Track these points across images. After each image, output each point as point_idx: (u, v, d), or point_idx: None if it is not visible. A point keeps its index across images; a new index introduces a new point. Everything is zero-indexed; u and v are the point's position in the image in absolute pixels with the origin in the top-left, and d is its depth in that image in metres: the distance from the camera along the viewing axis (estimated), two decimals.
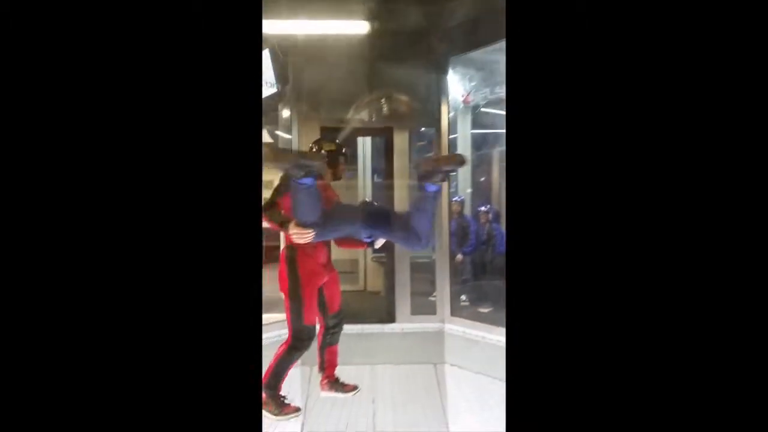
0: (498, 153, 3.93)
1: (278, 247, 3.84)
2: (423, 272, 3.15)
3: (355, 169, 4.12)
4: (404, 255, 2.97)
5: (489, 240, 3.52)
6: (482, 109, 3.70)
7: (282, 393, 1.84)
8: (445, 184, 2.90)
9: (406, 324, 2.90)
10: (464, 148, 3.77)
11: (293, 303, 1.80)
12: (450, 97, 3.09)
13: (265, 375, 1.82)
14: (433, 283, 3.01)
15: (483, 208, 3.67)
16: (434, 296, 2.98)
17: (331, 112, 2.95)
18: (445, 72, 3.02)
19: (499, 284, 3.17)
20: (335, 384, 2.03)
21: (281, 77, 2.88)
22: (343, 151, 1.96)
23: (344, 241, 1.86)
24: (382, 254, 3.29)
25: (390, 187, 3.04)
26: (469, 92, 3.52)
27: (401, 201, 2.94)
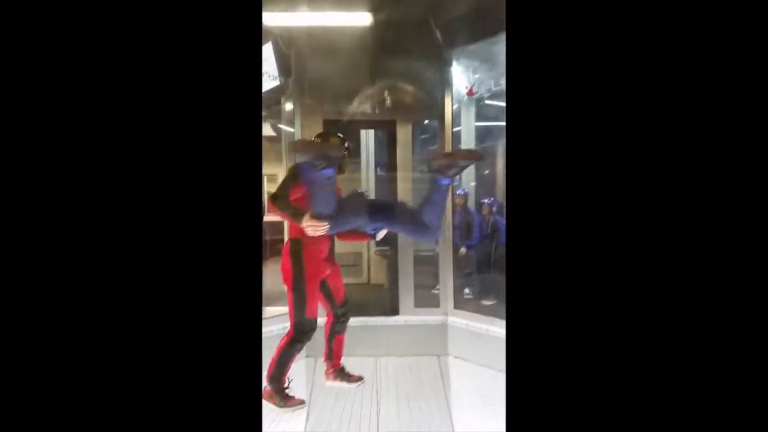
0: (502, 146, 3.91)
1: (282, 240, 3.86)
2: (426, 265, 3.15)
3: (359, 162, 4.11)
4: (408, 248, 2.98)
5: (493, 233, 3.52)
6: (486, 102, 3.67)
7: (285, 385, 1.86)
8: None
9: (409, 317, 2.91)
10: (468, 140, 3.75)
11: (296, 295, 1.81)
12: (453, 89, 3.06)
13: (268, 368, 1.83)
14: (436, 276, 3.01)
15: (486, 201, 3.67)
16: (438, 289, 2.99)
17: (334, 104, 2.94)
18: (449, 64, 2.99)
19: (503, 277, 3.15)
20: (341, 373, 2.05)
21: (284, 70, 2.86)
22: (346, 144, 1.95)
23: (348, 234, 1.87)
24: (386, 247, 3.30)
25: (393, 180, 3.03)
26: (473, 84, 3.49)
27: (404, 194, 2.94)
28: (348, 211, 1.66)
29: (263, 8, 0.93)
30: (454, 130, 3.13)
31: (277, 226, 3.91)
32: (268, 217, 4.09)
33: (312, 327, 1.86)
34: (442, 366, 2.67)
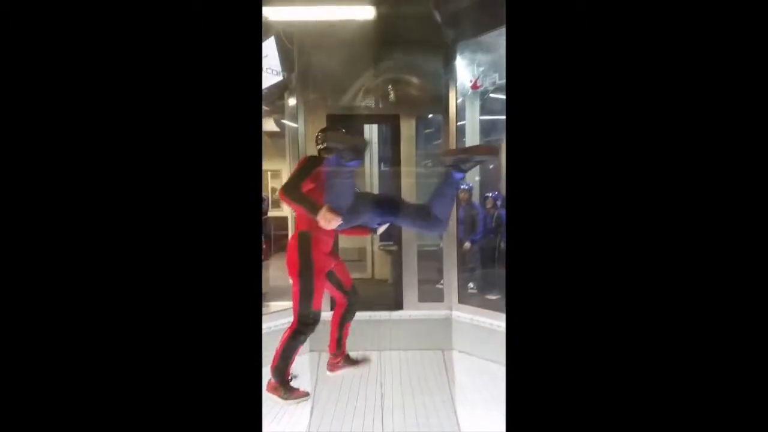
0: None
1: (286, 236, 3.88)
2: (430, 260, 3.16)
3: (362, 157, 4.10)
4: (412, 243, 2.98)
5: (497, 227, 3.50)
6: (491, 95, 3.64)
7: (289, 378, 1.88)
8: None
9: (413, 311, 2.92)
10: (472, 134, 3.73)
11: (304, 288, 1.82)
12: (458, 83, 3.04)
13: (272, 361, 1.85)
14: (440, 270, 3.01)
15: (490, 195, 3.65)
16: (442, 284, 2.99)
17: (338, 99, 2.93)
18: (453, 57, 2.97)
19: None
20: (348, 360, 2.08)
21: (287, 65, 2.86)
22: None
23: (352, 228, 1.89)
24: (390, 242, 3.30)
25: (397, 175, 3.02)
26: (478, 77, 3.46)
27: (408, 188, 2.93)
28: (360, 205, 1.68)
29: (266, 3, 0.93)
30: (459, 124, 3.11)
31: (282, 222, 3.93)
32: (273, 212, 4.12)
33: (316, 319, 1.88)
34: (446, 360, 2.68)
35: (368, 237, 3.91)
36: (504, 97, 3.59)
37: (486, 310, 2.75)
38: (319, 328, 2.00)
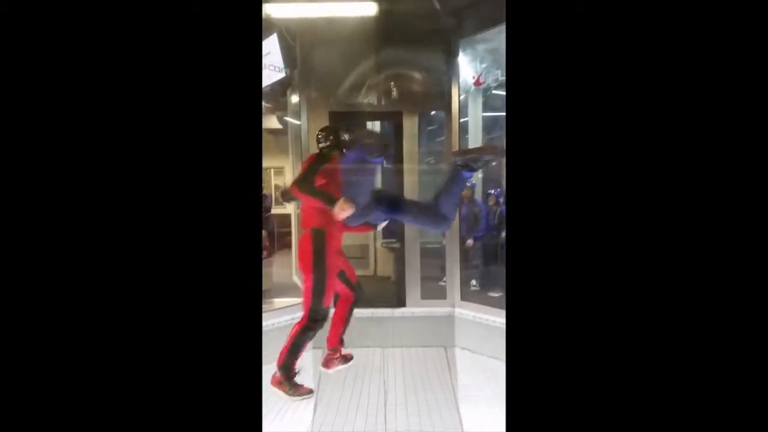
0: None
1: (290, 233, 3.88)
2: (433, 257, 3.16)
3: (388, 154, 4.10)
4: (414, 240, 2.98)
5: (500, 224, 3.50)
6: (494, 92, 3.62)
7: (295, 373, 1.90)
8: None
9: (416, 308, 2.92)
10: (475, 131, 3.71)
11: (317, 284, 1.84)
12: (461, 79, 3.03)
13: (279, 356, 1.86)
14: (443, 268, 3.02)
15: (493, 192, 3.64)
16: (444, 281, 2.99)
17: (340, 96, 2.92)
18: (456, 53, 2.95)
19: None
20: (343, 357, 2.11)
21: (289, 62, 2.85)
22: (346, 138, 2.00)
23: (358, 225, 1.92)
24: (392, 240, 3.31)
25: (399, 172, 3.02)
26: (480, 74, 3.44)
27: (411, 186, 2.93)
28: (374, 201, 1.73)
29: (268, 0, 0.93)
30: (461, 120, 3.10)
31: (285, 219, 3.94)
32: (276, 210, 4.12)
33: (325, 316, 1.91)
34: (449, 357, 2.69)
35: (371, 234, 3.91)
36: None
37: (489, 307, 2.76)
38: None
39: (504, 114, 3.71)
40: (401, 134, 3.01)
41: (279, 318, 2.73)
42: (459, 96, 2.97)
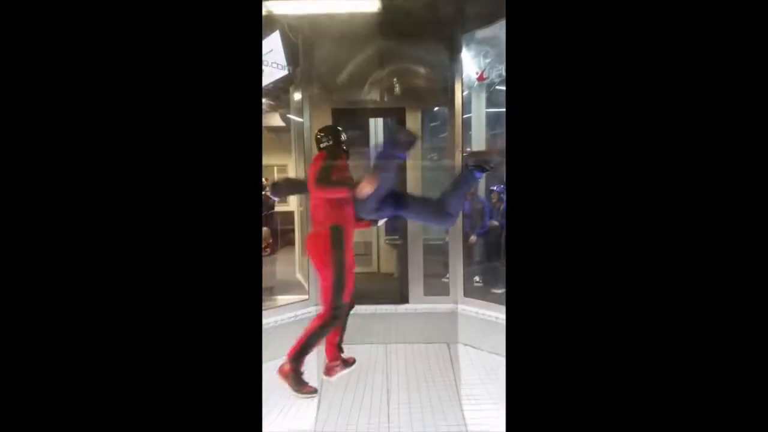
0: None
1: (293, 230, 3.89)
2: (436, 254, 3.15)
3: (367, 151, 4.10)
4: (417, 237, 2.98)
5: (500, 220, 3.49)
6: (497, 87, 3.59)
7: (302, 371, 1.91)
8: (457, 165, 2.87)
9: (419, 305, 2.93)
10: (478, 127, 3.69)
11: (338, 281, 1.86)
12: (464, 75, 3.01)
13: (292, 348, 1.87)
14: (446, 264, 3.01)
15: (496, 189, 3.63)
16: (447, 277, 2.99)
17: (343, 93, 2.92)
18: (459, 49, 2.93)
19: None
20: (344, 362, 2.12)
21: (292, 59, 2.85)
22: (344, 138, 2.04)
23: (360, 222, 1.94)
24: (395, 236, 3.31)
25: (402, 168, 3.01)
26: (484, 69, 3.42)
27: (414, 182, 2.92)
28: (389, 198, 1.79)
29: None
30: (465, 116, 3.08)
31: (288, 217, 3.95)
32: (280, 207, 4.13)
33: (345, 311, 1.92)
34: (452, 353, 2.69)
35: (374, 231, 3.92)
36: None
37: (491, 304, 2.76)
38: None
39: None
40: None
41: (282, 315, 2.75)
42: (462, 92, 2.95)
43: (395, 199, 1.86)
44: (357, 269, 2.16)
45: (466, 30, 2.88)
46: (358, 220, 1.94)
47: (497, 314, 2.67)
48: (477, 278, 3.34)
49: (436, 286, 3.01)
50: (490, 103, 3.70)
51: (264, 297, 3.02)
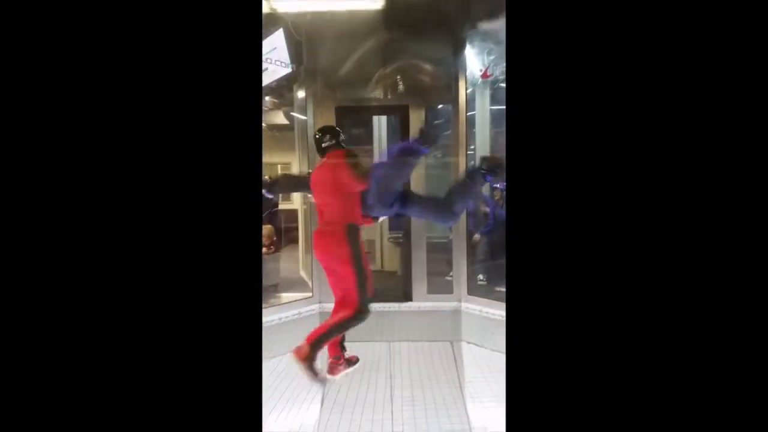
0: None
1: (297, 228, 3.89)
2: (440, 252, 3.15)
3: (371, 149, 4.09)
4: (421, 235, 2.97)
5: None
6: (501, 85, 3.57)
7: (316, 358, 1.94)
8: (462, 162, 2.87)
9: (422, 303, 2.93)
10: (482, 124, 3.68)
11: (361, 278, 1.89)
12: (468, 72, 2.99)
13: (314, 333, 1.87)
14: (450, 262, 3.01)
15: (498, 186, 3.61)
16: (451, 276, 2.99)
17: (347, 91, 2.91)
18: (463, 46, 2.91)
19: None
20: (347, 360, 2.13)
21: (295, 57, 2.84)
22: (342, 137, 2.09)
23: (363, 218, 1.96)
24: (399, 234, 3.30)
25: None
26: (488, 67, 3.40)
27: (417, 180, 2.91)
28: (396, 195, 1.84)
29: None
30: (468, 114, 3.07)
31: (292, 214, 3.95)
32: (284, 205, 4.14)
33: (370, 307, 1.95)
34: (455, 351, 2.69)
35: (377, 229, 3.92)
36: None
37: (495, 302, 2.75)
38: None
39: None
40: (408, 128, 2.99)
41: (286, 312, 2.75)
42: (466, 89, 2.94)
43: (401, 196, 1.87)
44: None
45: (469, 27, 2.87)
46: (363, 216, 1.95)
47: (501, 312, 2.66)
48: (481, 276, 3.33)
49: (440, 284, 3.00)
50: (494, 100, 3.68)
51: (268, 294, 3.03)
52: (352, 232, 1.89)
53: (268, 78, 2.80)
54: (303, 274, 3.50)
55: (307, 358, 1.83)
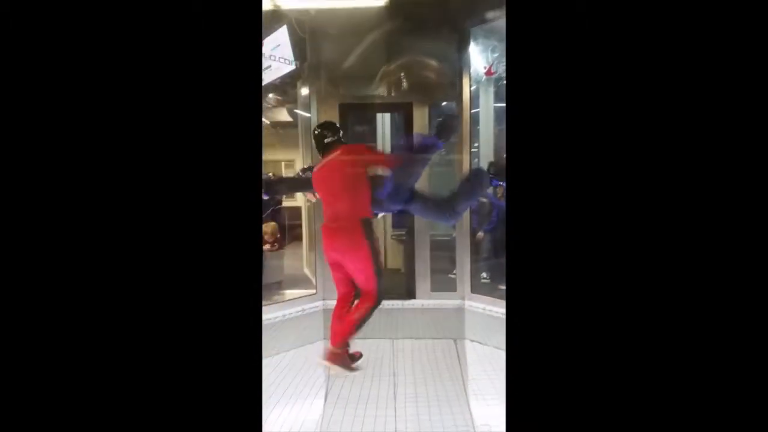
0: None
1: (300, 226, 3.89)
2: (443, 250, 3.15)
3: (374, 146, 4.09)
4: (424, 233, 2.97)
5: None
6: (505, 82, 3.56)
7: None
8: (466, 160, 2.86)
9: (426, 300, 2.92)
10: (486, 122, 3.66)
11: (377, 267, 1.97)
12: (472, 70, 2.98)
13: (339, 337, 1.95)
14: (453, 260, 3.00)
15: (501, 184, 3.60)
16: (454, 273, 2.98)
17: (351, 88, 2.91)
18: (467, 43, 2.90)
19: None
20: (351, 355, 2.14)
21: (299, 54, 2.84)
22: (341, 134, 2.13)
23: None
24: (402, 232, 3.30)
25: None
26: (492, 64, 3.38)
27: (421, 178, 2.91)
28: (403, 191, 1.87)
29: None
30: (472, 111, 3.06)
31: (296, 212, 3.96)
32: (288, 203, 4.15)
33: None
34: (458, 349, 2.69)
35: (380, 226, 3.91)
36: None
37: (499, 300, 2.74)
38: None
39: None
40: (411, 125, 2.98)
41: (291, 309, 2.76)
42: (470, 86, 2.93)
43: (406, 193, 1.88)
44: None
45: (473, 24, 2.85)
46: (392, 211, 2.01)
47: (504, 311, 2.66)
48: (484, 274, 3.32)
49: (444, 282, 3.00)
50: (498, 98, 3.67)
51: (272, 291, 3.04)
52: (368, 226, 1.93)
53: (271, 75, 2.80)
54: (307, 271, 3.51)
55: (342, 358, 1.92)
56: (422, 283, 2.96)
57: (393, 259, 4.06)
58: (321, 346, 2.70)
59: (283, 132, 4.23)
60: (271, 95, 3.48)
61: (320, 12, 2.75)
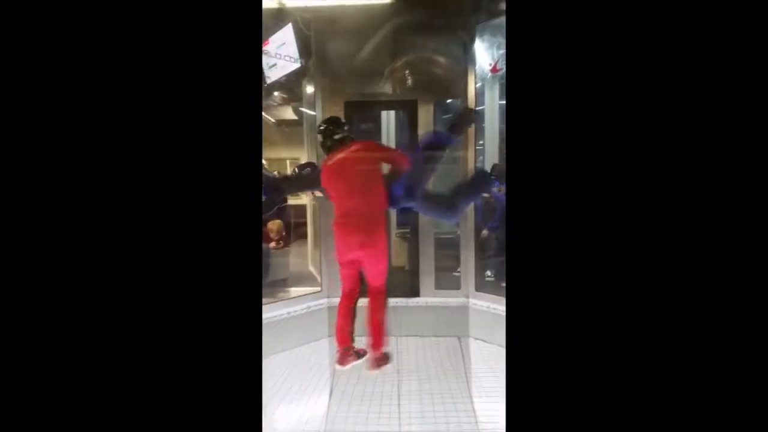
0: None
1: (305, 224, 3.90)
2: (447, 248, 3.15)
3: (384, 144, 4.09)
4: (428, 231, 2.97)
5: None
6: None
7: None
8: (470, 157, 2.86)
9: (430, 298, 2.93)
10: (491, 119, 3.65)
11: (388, 263, 1.98)
12: (477, 67, 2.97)
13: (376, 341, 1.96)
14: (457, 258, 3.00)
15: (501, 185, 3.58)
16: (458, 271, 2.99)
17: (355, 86, 2.91)
18: (472, 40, 2.89)
19: None
20: (356, 352, 2.15)
21: (304, 52, 2.85)
22: (347, 128, 2.11)
23: None
24: (406, 230, 3.31)
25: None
26: (497, 61, 3.37)
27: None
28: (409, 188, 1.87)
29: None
30: (478, 109, 3.05)
31: (301, 210, 3.98)
32: (293, 201, 4.16)
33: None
34: (463, 347, 2.70)
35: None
36: None
37: (503, 298, 2.74)
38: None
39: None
40: (416, 123, 2.98)
41: (296, 306, 2.78)
42: (475, 84, 2.92)
43: (407, 190, 1.88)
44: None
45: (479, 21, 2.84)
46: (400, 207, 2.01)
47: None
48: (489, 272, 3.32)
49: (448, 280, 3.00)
50: (503, 95, 3.65)
51: (277, 289, 3.06)
52: (387, 219, 1.97)
53: (277, 73, 2.81)
54: (312, 268, 3.53)
55: (387, 360, 1.94)
56: (427, 281, 2.96)
57: (397, 256, 4.07)
58: (327, 342, 2.72)
59: (288, 130, 4.24)
60: (276, 93, 3.49)
61: (325, 10, 2.75)
